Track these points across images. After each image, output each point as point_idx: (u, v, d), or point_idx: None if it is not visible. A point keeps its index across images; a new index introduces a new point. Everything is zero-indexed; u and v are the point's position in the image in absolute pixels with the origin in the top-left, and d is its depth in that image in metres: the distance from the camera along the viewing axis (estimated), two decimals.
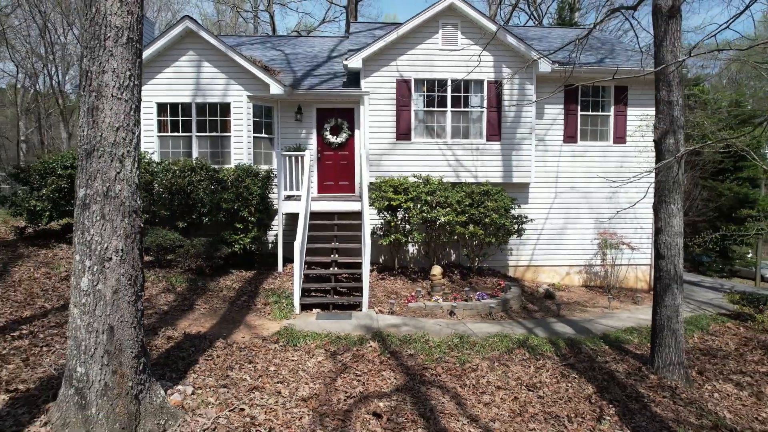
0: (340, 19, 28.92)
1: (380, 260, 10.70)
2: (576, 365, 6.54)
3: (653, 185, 6.44)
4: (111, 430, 3.56)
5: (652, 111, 10.76)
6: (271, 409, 4.58)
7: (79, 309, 3.62)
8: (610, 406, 5.56)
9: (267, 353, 5.91)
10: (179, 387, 4.60)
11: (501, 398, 5.45)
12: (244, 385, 4.95)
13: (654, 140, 6.37)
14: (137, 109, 3.84)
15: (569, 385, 5.96)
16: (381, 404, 4.97)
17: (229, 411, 4.38)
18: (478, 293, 8.94)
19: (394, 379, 5.59)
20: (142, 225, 3.88)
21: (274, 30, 26.41)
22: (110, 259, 3.64)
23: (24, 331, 5.42)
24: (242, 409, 4.46)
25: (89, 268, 3.60)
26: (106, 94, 3.63)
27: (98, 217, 3.61)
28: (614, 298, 10.27)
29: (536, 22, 26.69)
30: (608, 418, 5.30)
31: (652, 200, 6.54)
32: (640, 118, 10.93)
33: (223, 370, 5.24)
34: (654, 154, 6.53)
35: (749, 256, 24.59)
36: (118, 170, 3.67)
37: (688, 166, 20.66)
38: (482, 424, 4.88)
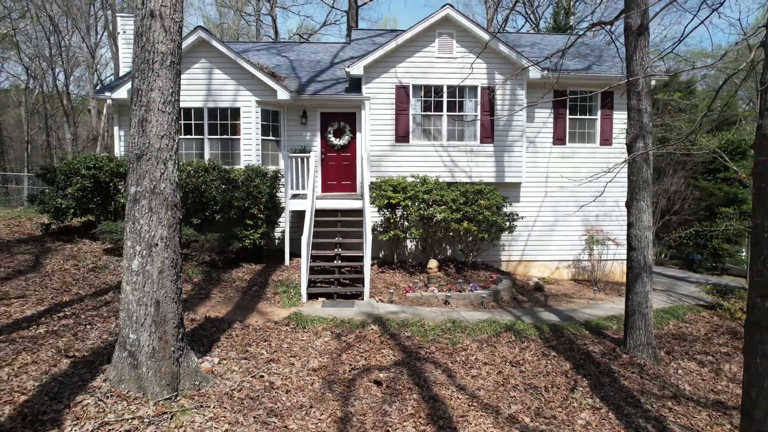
0: (341, 22, 29.73)
1: (380, 255, 11.48)
2: (557, 346, 7.32)
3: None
4: (158, 386, 4.34)
5: (623, 115, 11.55)
6: (286, 376, 5.37)
7: (130, 286, 4.41)
8: (584, 379, 6.34)
9: (279, 334, 6.70)
10: (207, 358, 5.39)
11: (487, 372, 6.24)
12: (261, 358, 5.74)
13: (626, 143, 7.17)
14: (177, 120, 4.63)
15: (549, 362, 6.75)
16: (381, 375, 5.76)
17: (251, 377, 5.17)
18: (471, 285, 9.73)
19: (393, 355, 6.38)
20: (180, 217, 4.66)
21: (276, 33, 27.22)
22: (156, 245, 4.42)
23: (67, 313, 6.20)
24: (262, 376, 5.25)
25: (139, 252, 4.39)
26: (153, 108, 4.42)
27: (146, 210, 4.40)
28: (600, 291, 11.05)
29: (533, 25, 27.48)
30: (581, 389, 6.09)
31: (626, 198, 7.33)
32: (624, 121, 11.68)
33: (243, 346, 6.03)
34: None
35: (743, 254, 25.41)
36: (162, 171, 4.46)
37: (678, 167, 21.45)
38: (469, 392, 5.66)
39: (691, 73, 20.00)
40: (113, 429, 3.79)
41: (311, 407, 4.78)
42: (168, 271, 4.47)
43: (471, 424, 4.93)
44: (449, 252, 11.81)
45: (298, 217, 11.12)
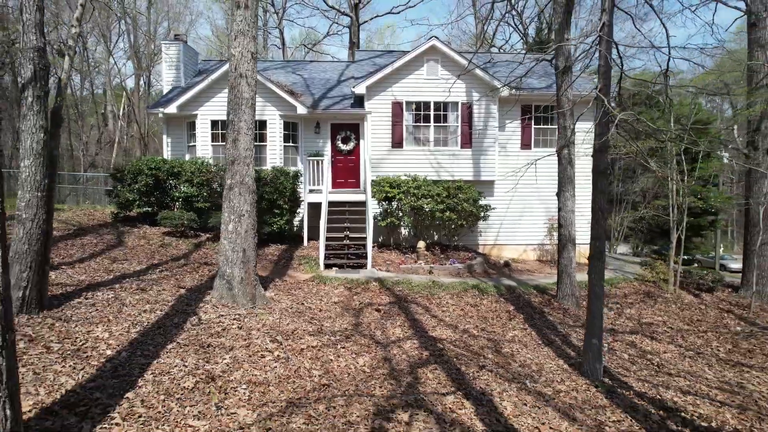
0: (343, 32, 32.84)
1: (379, 239, 14.55)
2: (508, 298, 10.40)
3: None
4: (245, 300, 7.42)
5: (588, 125, 14.62)
6: (317, 305, 8.45)
7: (227, 240, 7.49)
8: (521, 315, 9.43)
9: (308, 285, 9.78)
10: (266, 292, 8.47)
11: (453, 309, 9.32)
12: (299, 296, 8.83)
13: (556, 151, 10.25)
14: (253, 138, 7.71)
15: (499, 306, 9.83)
16: (380, 307, 8.84)
17: (296, 303, 8.26)
18: (451, 260, 12.81)
19: (388, 299, 9.46)
20: (256, 198, 7.73)
21: (283, 43, 30.36)
22: (243, 215, 7.51)
23: (163, 269, 9.28)
24: (302, 303, 8.34)
25: (233, 219, 7.47)
26: (241, 132, 7.51)
27: (237, 194, 7.49)
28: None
29: (521, 36, 30.63)
30: (517, 319, 9.17)
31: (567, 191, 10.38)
32: (579, 130, 14.76)
33: (285, 290, 9.11)
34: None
35: (721, 249, 28.73)
36: (246, 170, 7.55)
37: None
38: (439, 318, 8.74)
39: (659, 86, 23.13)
40: (226, 317, 6.87)
41: (336, 318, 7.88)
42: (250, 231, 7.57)
43: (437, 331, 8.01)
44: (436, 237, 14.88)
45: (313, 208, 14.18)
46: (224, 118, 13.95)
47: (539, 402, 5.80)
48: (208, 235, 12.87)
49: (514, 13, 30.07)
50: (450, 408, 5.25)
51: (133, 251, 10.58)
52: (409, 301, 9.49)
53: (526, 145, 15.01)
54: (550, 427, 5.15)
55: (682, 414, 5.92)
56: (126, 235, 11.90)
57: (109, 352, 5.32)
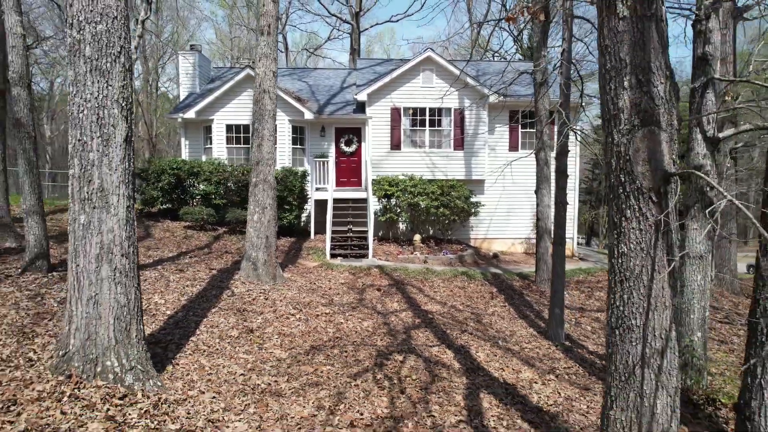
0: (343, 36, 34.44)
1: (379, 233, 16.16)
2: (493, 282, 12.03)
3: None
4: (267, 278, 9.04)
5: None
6: (327, 285, 10.07)
7: (253, 228, 9.11)
8: (502, 296, 11.05)
9: (317, 271, 11.40)
10: (283, 274, 10.08)
11: (443, 291, 10.94)
12: (311, 278, 10.45)
13: (534, 153, 11.88)
14: (275, 142, 9.32)
15: (484, 288, 11.46)
16: (380, 288, 10.46)
17: (309, 283, 9.88)
18: (444, 251, 14.43)
19: (387, 281, 11.08)
20: (277, 194, 9.35)
21: (286, 47, 31.98)
22: (266, 207, 9.12)
23: (192, 256, 10.89)
24: (314, 283, 9.96)
25: (257, 211, 9.09)
26: (265, 138, 9.13)
27: (262, 190, 9.10)
28: None
29: (516, 40, 32.25)
30: (498, 299, 10.80)
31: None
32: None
33: (298, 274, 10.73)
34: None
35: None
36: (269, 170, 9.17)
37: None
38: (430, 297, 10.36)
39: None
40: (254, 291, 8.48)
41: (343, 294, 9.50)
42: (272, 221, 9.19)
43: (428, 306, 9.64)
44: (431, 231, 16.50)
45: (319, 205, 15.80)
46: (238, 122, 15.60)
47: (507, 354, 7.42)
48: (224, 229, 14.48)
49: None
50: (435, 354, 6.87)
51: (162, 242, 12.18)
52: (405, 283, 11.11)
53: (513, 147, 16.65)
54: (512, 369, 6.77)
55: None
56: (152, 228, 13.50)
57: (168, 312, 6.93)
